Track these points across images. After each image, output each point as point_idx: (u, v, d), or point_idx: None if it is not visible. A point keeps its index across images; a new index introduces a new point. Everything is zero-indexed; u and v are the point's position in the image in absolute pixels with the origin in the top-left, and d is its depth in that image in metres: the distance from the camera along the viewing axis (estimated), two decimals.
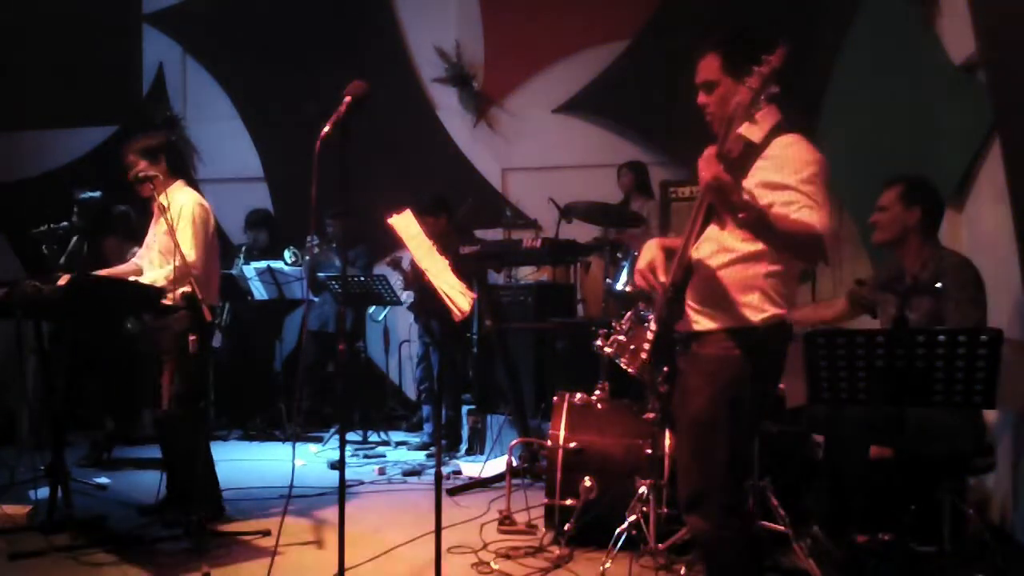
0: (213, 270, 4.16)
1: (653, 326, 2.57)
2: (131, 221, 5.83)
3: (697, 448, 2.39)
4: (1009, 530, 3.81)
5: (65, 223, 5.40)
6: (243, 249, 6.93)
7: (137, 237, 5.44)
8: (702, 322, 2.42)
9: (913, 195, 3.45)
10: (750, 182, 2.30)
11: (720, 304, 2.38)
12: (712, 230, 2.38)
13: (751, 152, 2.34)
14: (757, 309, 2.35)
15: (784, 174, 2.27)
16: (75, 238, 5.04)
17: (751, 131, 2.36)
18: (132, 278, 4.00)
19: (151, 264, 4.08)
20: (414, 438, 6.48)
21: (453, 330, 5.57)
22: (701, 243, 2.39)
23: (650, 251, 2.48)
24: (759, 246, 2.34)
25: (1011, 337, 3.04)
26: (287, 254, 6.48)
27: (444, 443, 5.85)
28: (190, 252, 3.87)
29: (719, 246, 2.39)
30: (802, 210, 2.22)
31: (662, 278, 2.42)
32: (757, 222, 2.16)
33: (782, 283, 2.38)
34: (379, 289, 6.02)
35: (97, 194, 5.49)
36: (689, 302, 2.44)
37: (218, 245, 4.24)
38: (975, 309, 3.31)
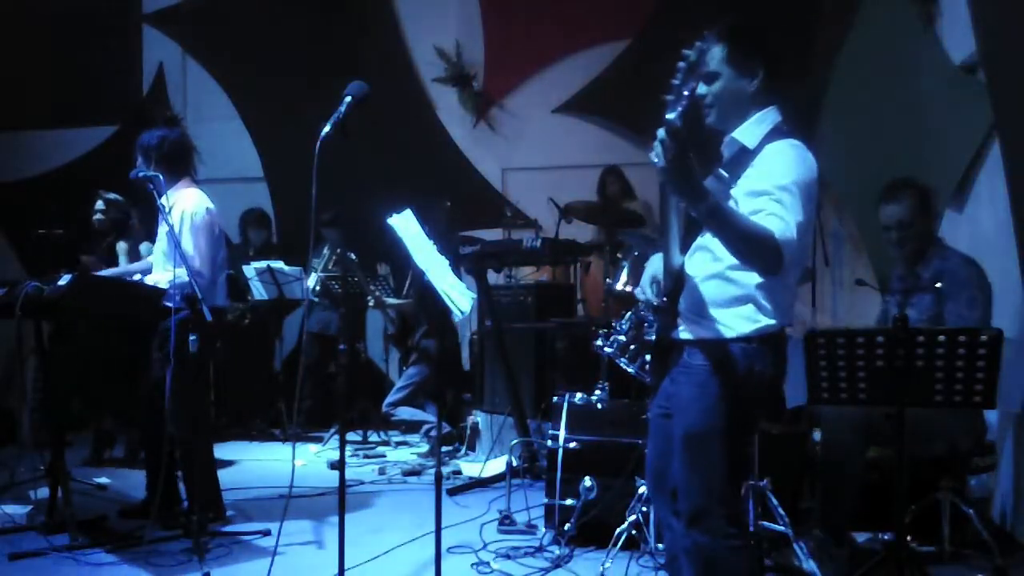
0: (219, 272, 4.13)
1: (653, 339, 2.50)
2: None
3: (695, 464, 2.29)
4: (1009, 530, 3.81)
5: (98, 216, 5.40)
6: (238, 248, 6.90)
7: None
8: (693, 331, 2.32)
9: (928, 202, 3.50)
10: (738, 191, 2.22)
11: (712, 313, 2.28)
12: (706, 237, 2.27)
13: (744, 157, 2.26)
14: (749, 320, 2.25)
15: (766, 180, 2.16)
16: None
17: (745, 135, 2.30)
18: (137, 277, 3.99)
19: (156, 264, 4.07)
20: (415, 437, 6.48)
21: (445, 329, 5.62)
22: (695, 251, 2.30)
23: (655, 265, 2.40)
24: None
25: (1011, 337, 3.04)
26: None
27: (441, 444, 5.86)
28: (195, 258, 3.79)
29: (712, 254, 2.28)
30: (769, 217, 2.11)
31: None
32: (710, 215, 2.06)
33: (776, 293, 2.26)
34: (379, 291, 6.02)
35: (118, 197, 5.50)
36: (681, 310, 2.33)
37: (224, 247, 4.22)
38: (971, 311, 3.31)
